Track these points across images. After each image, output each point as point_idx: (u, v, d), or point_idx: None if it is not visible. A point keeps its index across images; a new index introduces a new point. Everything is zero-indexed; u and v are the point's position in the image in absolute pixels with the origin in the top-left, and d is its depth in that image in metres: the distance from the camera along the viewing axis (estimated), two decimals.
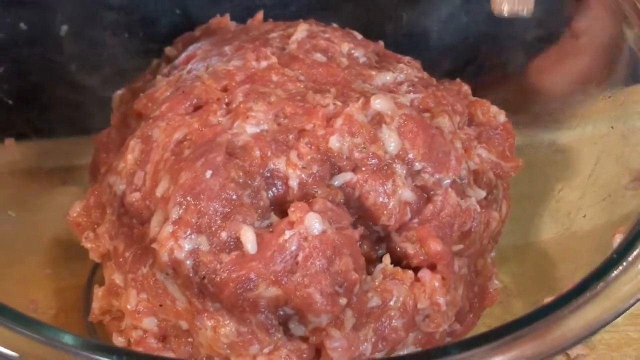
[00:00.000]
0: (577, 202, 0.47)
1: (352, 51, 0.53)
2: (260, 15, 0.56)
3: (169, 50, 0.55)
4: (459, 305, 0.47)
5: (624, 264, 0.41)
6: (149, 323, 0.46)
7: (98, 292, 0.48)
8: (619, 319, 0.54)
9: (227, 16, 0.56)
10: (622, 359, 0.55)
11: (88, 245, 0.50)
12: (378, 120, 0.47)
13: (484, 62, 0.58)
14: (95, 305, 0.48)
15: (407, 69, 0.52)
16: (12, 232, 0.53)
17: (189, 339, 0.46)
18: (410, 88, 0.50)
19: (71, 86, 0.58)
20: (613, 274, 0.41)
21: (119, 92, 0.54)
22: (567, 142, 0.53)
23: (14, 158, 0.56)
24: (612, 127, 0.50)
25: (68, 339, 0.38)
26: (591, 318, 0.39)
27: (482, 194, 0.49)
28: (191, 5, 0.58)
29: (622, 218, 0.43)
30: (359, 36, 0.55)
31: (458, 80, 0.53)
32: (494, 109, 0.52)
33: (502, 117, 0.51)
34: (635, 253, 0.42)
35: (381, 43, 0.55)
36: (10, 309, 0.39)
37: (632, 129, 0.49)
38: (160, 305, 0.46)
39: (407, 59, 0.54)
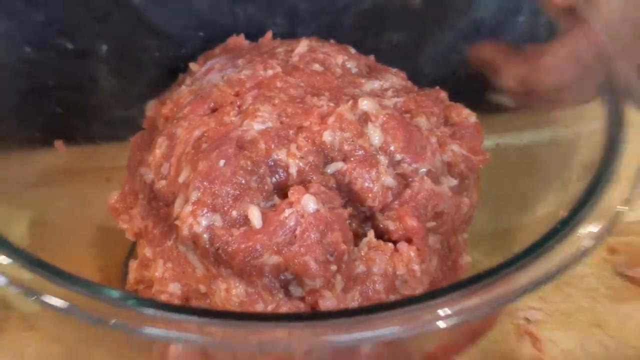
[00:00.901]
0: (539, 194, 0.49)
1: (346, 63, 0.55)
2: (269, 34, 0.59)
3: (192, 65, 0.58)
4: (433, 275, 0.50)
5: (564, 233, 0.43)
6: (174, 288, 0.48)
7: (133, 265, 0.51)
8: (576, 291, 0.59)
9: (242, 35, 0.59)
10: (575, 323, 0.57)
11: (124, 226, 0.53)
12: (364, 118, 0.50)
13: (463, 75, 0.60)
14: (131, 276, 0.51)
15: (392, 78, 0.55)
16: (62, 221, 0.55)
17: (207, 300, 0.49)
18: (394, 93, 0.53)
19: (112, 98, 0.61)
20: (554, 241, 0.43)
21: (151, 101, 0.57)
22: (532, 144, 0.55)
23: (63, 159, 0.59)
24: (568, 128, 0.52)
25: (112, 292, 0.41)
26: (534, 275, 0.42)
27: (454, 182, 0.51)
28: (213, 29, 0.60)
29: (570, 201, 0.46)
30: (353, 50, 0.57)
31: (437, 87, 0.55)
32: (467, 111, 0.54)
33: (473, 118, 0.54)
34: (574, 224, 0.44)
35: (372, 57, 0.58)
36: (62, 270, 0.41)
37: (588, 130, 0.50)
38: (183, 273, 0.49)
39: (394, 70, 0.57)
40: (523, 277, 0.42)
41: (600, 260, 0.60)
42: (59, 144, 0.59)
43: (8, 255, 0.41)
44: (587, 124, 0.50)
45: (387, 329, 0.40)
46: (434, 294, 0.41)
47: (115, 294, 0.41)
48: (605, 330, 0.56)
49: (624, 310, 0.58)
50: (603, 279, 0.59)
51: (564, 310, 0.58)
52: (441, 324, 0.40)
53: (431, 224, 0.50)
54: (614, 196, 0.45)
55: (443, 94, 0.55)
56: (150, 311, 0.41)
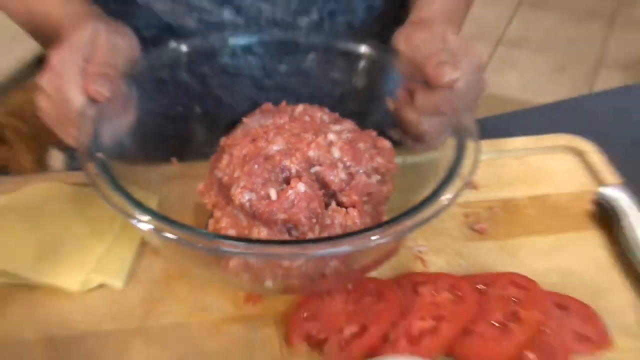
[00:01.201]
0: (422, 184, 0.50)
1: (323, 116, 0.56)
2: (284, 103, 0.59)
3: (244, 119, 0.59)
4: (367, 226, 0.50)
5: (433, 199, 0.45)
6: (231, 232, 0.50)
7: (211, 221, 0.52)
8: (445, 237, 0.58)
9: (270, 104, 0.59)
10: (445, 253, 0.57)
11: (206, 200, 0.53)
12: (330, 144, 0.52)
13: (385, 124, 0.57)
14: (210, 227, 0.52)
15: (347, 124, 0.56)
16: (174, 200, 0.56)
17: None
18: (348, 132, 0.55)
19: (202, 137, 0.62)
20: (428, 203, 0.45)
21: (222, 138, 0.58)
22: (420, 160, 0.56)
23: (176, 169, 0.60)
24: (437, 152, 0.53)
25: (201, 230, 0.44)
26: (418, 220, 0.44)
27: (378, 177, 0.52)
28: (256, 102, 0.60)
29: (437, 185, 0.47)
30: (327, 111, 0.58)
31: (370, 129, 0.56)
32: (386, 142, 0.55)
33: (388, 145, 0.55)
34: (438, 195, 0.45)
35: (337, 114, 0.58)
36: (176, 220, 0.43)
37: (447, 153, 0.51)
38: (236, 224, 0.50)
39: (348, 121, 0.57)
40: (412, 221, 0.44)
41: (459, 221, 0.60)
42: (174, 160, 0.60)
43: (148, 214, 0.43)
44: (447, 149, 0.51)
45: (342, 247, 0.43)
46: (367, 229, 0.44)
47: (202, 231, 0.44)
48: (462, 257, 0.57)
49: (473, 246, 0.58)
50: (461, 230, 0.60)
51: (439, 247, 0.58)
52: (372, 243, 0.43)
53: (365, 199, 0.52)
54: (457, 183, 0.47)
55: (373, 133, 0.56)
56: (220, 240, 0.44)
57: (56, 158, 1.55)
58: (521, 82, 2.41)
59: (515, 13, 2.84)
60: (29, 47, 2.08)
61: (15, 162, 1.34)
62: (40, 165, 1.47)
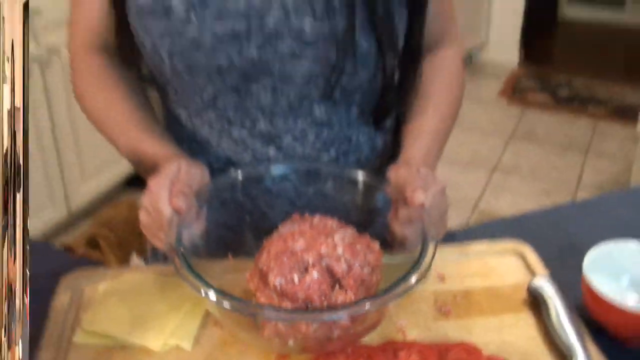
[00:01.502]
0: (396, 273, 0.54)
1: (332, 224, 0.62)
2: (307, 215, 0.65)
3: (280, 227, 0.64)
4: None
5: (404, 281, 0.53)
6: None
7: (253, 299, 0.59)
8: (418, 316, 0.65)
9: (298, 214, 0.64)
10: (420, 327, 0.64)
11: (251, 285, 0.59)
12: (335, 244, 0.58)
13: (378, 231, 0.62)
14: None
15: (349, 231, 0.62)
16: (230, 287, 0.58)
17: None
18: (348, 236, 0.61)
19: (252, 242, 0.67)
20: (400, 283, 0.53)
21: (265, 241, 0.62)
22: (399, 261, 0.59)
23: (231, 263, 0.66)
24: (411, 254, 0.58)
25: (248, 302, 0.53)
26: (395, 295, 0.51)
27: (370, 269, 0.59)
28: (287, 214, 0.66)
29: (406, 271, 0.54)
30: (336, 220, 0.64)
31: (365, 233, 0.62)
32: (376, 245, 0.62)
33: (377, 246, 0.62)
34: (407, 278, 0.53)
35: (343, 221, 0.64)
36: (231, 294, 0.50)
37: (416, 252, 0.57)
38: (270, 300, 0.57)
39: (349, 228, 0.63)
40: (389, 298, 0.51)
41: (430, 304, 0.67)
42: (230, 257, 0.67)
43: (215, 291, 0.51)
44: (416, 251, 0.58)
45: (340, 314, 0.52)
46: (356, 302, 0.54)
47: (249, 302, 0.54)
48: (431, 331, 0.63)
49: (440, 324, 0.65)
50: (431, 311, 0.66)
51: (415, 323, 0.65)
52: (363, 310, 0.51)
53: (360, 284, 0.57)
54: (421, 270, 0.55)
55: (368, 237, 0.61)
56: (262, 308, 0.54)
57: (135, 261, 1.71)
58: (512, 204, 2.54)
59: (507, 145, 3.01)
60: (116, 172, 2.30)
61: (105, 264, 1.49)
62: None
